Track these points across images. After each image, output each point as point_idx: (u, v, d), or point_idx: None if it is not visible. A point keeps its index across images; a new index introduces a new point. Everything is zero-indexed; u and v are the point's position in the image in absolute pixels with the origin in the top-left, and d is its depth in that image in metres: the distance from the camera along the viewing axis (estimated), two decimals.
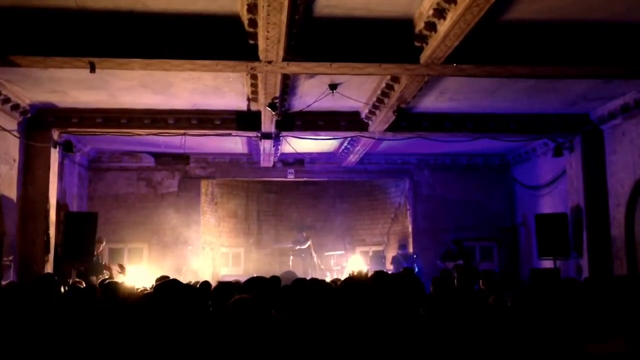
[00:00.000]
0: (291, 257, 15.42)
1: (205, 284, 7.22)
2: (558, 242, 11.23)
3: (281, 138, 11.58)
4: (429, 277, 9.55)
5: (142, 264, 13.19)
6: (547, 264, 11.86)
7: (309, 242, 15.51)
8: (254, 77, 8.28)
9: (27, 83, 8.99)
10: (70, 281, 8.73)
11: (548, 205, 12.87)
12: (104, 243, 11.92)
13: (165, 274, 9.36)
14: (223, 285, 5.69)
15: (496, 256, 14.61)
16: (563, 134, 11.35)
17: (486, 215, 14.54)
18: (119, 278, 9.87)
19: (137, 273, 11.51)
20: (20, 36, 6.87)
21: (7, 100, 9.38)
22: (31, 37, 6.88)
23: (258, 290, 4.07)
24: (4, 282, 8.08)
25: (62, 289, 6.35)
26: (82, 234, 10.70)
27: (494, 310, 4.34)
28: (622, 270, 9.91)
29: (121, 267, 11.04)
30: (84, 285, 7.27)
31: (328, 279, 12.77)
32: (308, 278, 6.56)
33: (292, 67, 7.49)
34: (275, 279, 6.38)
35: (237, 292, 4.64)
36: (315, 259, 15.36)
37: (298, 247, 15.46)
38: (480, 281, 7.07)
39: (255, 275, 12.24)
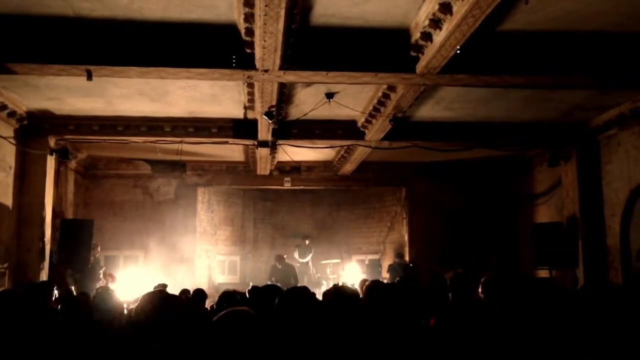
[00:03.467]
0: None
1: (200, 291, 7.22)
2: (554, 251, 11.23)
3: (278, 146, 11.59)
4: (425, 285, 9.53)
5: (138, 272, 13.13)
6: (544, 273, 11.86)
7: (311, 254, 15.40)
8: (250, 85, 8.31)
9: (24, 90, 9.00)
10: (63, 288, 8.69)
11: (544, 214, 12.89)
12: (98, 249, 11.88)
13: (161, 281, 9.35)
14: (228, 294, 5.71)
15: (493, 265, 14.56)
16: (559, 143, 11.38)
17: (482, 223, 14.54)
18: (111, 285, 9.84)
19: (133, 281, 11.46)
20: (17, 43, 6.87)
21: (3, 107, 9.39)
22: (28, 44, 6.88)
23: (260, 301, 4.04)
24: None
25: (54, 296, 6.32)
26: (77, 241, 10.64)
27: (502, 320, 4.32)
28: (618, 280, 9.93)
29: (111, 276, 10.99)
30: (76, 292, 7.24)
31: (324, 288, 12.79)
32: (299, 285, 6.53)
33: (289, 76, 7.51)
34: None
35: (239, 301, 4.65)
36: (311, 268, 15.31)
37: (302, 260, 15.30)
38: (479, 290, 7.04)
39: (251, 283, 12.27)
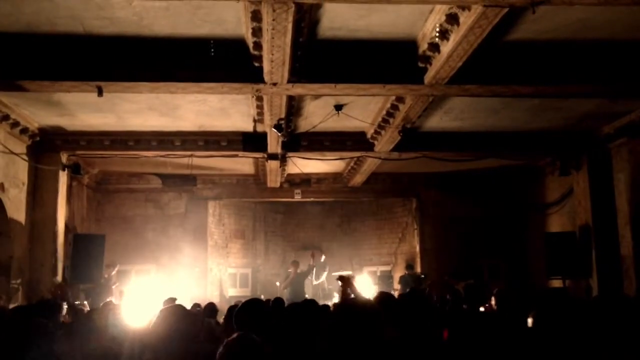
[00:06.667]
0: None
1: (211, 305, 7.23)
2: (567, 261, 11.14)
3: (287, 159, 11.62)
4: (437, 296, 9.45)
5: (149, 286, 13.14)
6: (557, 283, 11.75)
7: (325, 273, 14.98)
8: (259, 98, 8.36)
9: (36, 107, 9.10)
10: (78, 303, 8.72)
11: (556, 223, 12.80)
12: (117, 267, 11.82)
13: (172, 295, 9.35)
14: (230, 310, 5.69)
15: (504, 275, 14.48)
16: (569, 152, 11.31)
17: (494, 233, 14.46)
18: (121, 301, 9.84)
19: (144, 295, 11.45)
20: (29, 61, 6.98)
21: (16, 124, 9.48)
22: (40, 62, 6.98)
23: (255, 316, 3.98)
24: (11, 306, 8.08)
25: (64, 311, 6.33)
26: (89, 256, 10.68)
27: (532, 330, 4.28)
28: (632, 289, 9.81)
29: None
30: (88, 308, 7.26)
31: (335, 300, 12.73)
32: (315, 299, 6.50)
33: (297, 89, 7.55)
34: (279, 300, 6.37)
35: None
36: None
37: (317, 282, 14.54)
38: (493, 301, 6.97)
39: (262, 296, 12.24)
